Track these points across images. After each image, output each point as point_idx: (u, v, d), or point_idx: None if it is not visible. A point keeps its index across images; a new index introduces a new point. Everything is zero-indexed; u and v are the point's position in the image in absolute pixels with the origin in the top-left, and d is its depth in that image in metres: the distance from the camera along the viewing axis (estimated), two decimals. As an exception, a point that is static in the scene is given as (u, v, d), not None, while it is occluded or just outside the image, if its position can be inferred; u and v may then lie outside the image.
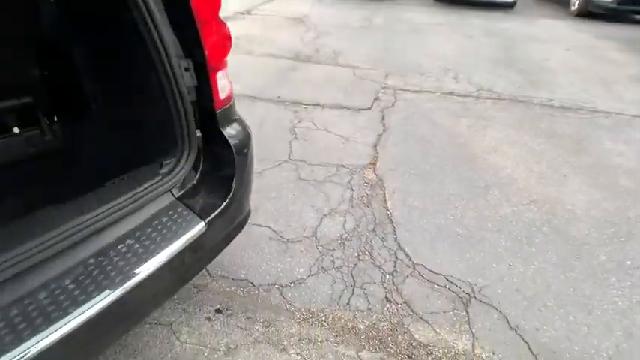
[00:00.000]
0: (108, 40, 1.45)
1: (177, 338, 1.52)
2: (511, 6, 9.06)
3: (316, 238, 2.12)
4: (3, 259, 0.94)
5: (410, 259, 2.02)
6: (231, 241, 1.51)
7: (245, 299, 1.73)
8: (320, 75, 4.50)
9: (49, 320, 0.93)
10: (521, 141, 3.23)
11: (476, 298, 1.81)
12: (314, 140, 3.10)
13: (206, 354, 1.47)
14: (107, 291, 1.01)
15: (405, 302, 1.78)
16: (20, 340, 0.88)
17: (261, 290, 1.78)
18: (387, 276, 1.91)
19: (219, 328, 1.58)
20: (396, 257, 2.03)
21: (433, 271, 1.95)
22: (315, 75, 4.49)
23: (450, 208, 2.40)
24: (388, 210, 2.37)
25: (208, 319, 1.61)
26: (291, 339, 1.57)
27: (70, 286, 1.01)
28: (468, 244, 2.12)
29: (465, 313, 1.73)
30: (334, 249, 2.05)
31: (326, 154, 2.91)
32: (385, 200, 2.45)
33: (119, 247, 1.12)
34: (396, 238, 2.15)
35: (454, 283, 1.88)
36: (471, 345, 1.59)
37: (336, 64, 4.91)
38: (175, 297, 1.67)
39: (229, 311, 1.65)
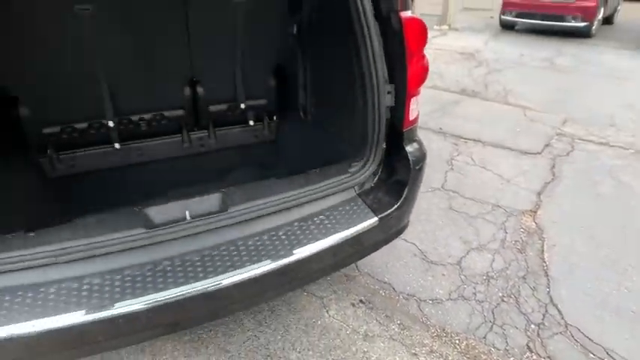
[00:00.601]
0: (330, 64, 1.85)
1: (327, 311, 1.80)
2: None
3: (460, 267, 2.15)
4: (249, 206, 1.34)
5: (562, 318, 1.87)
6: (386, 244, 1.71)
7: (386, 300, 1.90)
8: (485, 112, 4.42)
9: (250, 261, 1.24)
10: None
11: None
12: (470, 175, 3.10)
13: (348, 332, 1.70)
14: (299, 248, 1.31)
15: (548, 357, 1.67)
16: (233, 267, 1.21)
17: (401, 297, 1.92)
18: (533, 326, 1.82)
19: (360, 315, 1.79)
20: (546, 311, 1.91)
21: (590, 339, 1.77)
22: (480, 111, 4.43)
23: (626, 280, 2.11)
24: (544, 262, 2.22)
25: (353, 305, 1.84)
26: (423, 348, 1.66)
27: (275, 240, 1.35)
28: (642, 324, 1.84)
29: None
30: (477, 283, 2.05)
31: (481, 190, 2.88)
32: (542, 251, 2.30)
33: (314, 219, 1.44)
34: (549, 292, 2.02)
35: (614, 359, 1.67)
36: None
37: (505, 102, 4.73)
38: (328, 278, 1.95)
39: (371, 305, 1.85)
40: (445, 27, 8.98)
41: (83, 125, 1.84)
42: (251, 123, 2.14)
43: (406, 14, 1.46)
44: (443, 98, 4.80)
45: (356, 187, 1.58)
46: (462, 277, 2.08)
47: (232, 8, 1.72)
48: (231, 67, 1.95)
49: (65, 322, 1.04)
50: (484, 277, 2.08)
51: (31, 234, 1.19)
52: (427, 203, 2.70)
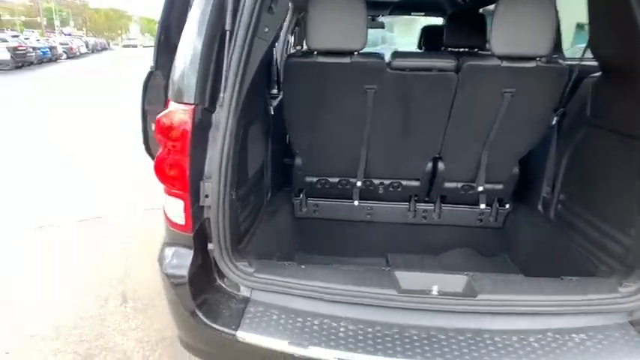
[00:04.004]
0: (602, 168, 1.68)
1: None
2: None
3: None
4: (500, 299, 1.31)
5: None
6: None
7: None
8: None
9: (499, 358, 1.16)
10: None
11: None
12: None
13: None
14: None
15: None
16: None
17: None
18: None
19: None
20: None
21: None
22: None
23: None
24: None
25: None
26: None
27: (525, 345, 1.20)
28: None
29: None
30: None
31: None
32: None
33: (572, 335, 1.24)
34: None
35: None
36: None
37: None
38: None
39: None
40: None
41: (335, 180, 2.14)
42: (482, 206, 2.09)
43: None
44: None
45: (627, 314, 1.32)
46: None
47: (501, 95, 1.71)
48: (479, 150, 1.93)
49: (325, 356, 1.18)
50: None
51: (302, 267, 1.41)
52: None
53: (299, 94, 1.83)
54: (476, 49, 2.28)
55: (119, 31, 79.85)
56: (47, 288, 2.48)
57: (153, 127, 1.90)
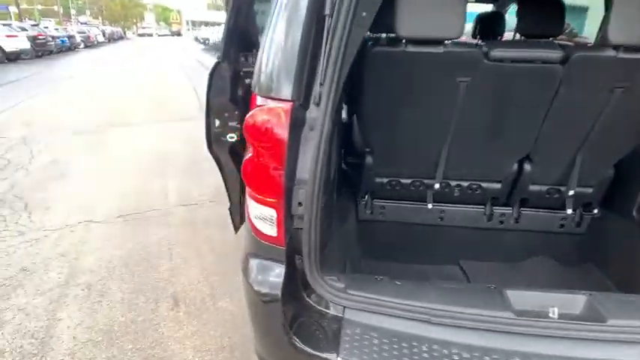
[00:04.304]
0: None
1: None
2: None
3: None
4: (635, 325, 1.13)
5: None
6: None
7: None
8: None
9: None
10: None
11: None
12: None
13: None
14: None
15: None
16: None
17: None
18: None
19: None
20: None
21: None
22: None
23: None
24: None
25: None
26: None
27: None
28: None
29: None
30: None
31: None
32: None
33: None
34: None
35: None
36: None
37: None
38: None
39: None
40: None
41: (407, 181, 1.96)
42: (569, 211, 1.89)
43: None
44: None
45: None
46: None
47: (610, 91, 1.52)
48: (574, 151, 1.76)
49: None
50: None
51: (398, 282, 1.28)
52: None
53: (381, 87, 1.66)
54: (551, 38, 2.08)
55: (134, 20, 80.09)
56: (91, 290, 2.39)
57: (217, 122, 1.78)
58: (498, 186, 1.96)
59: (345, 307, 1.24)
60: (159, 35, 60.58)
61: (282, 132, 1.09)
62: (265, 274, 1.21)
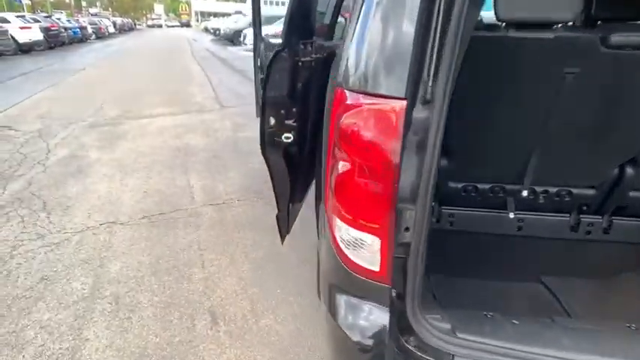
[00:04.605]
0: None
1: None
2: None
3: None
4: None
5: None
6: None
7: None
8: None
9: None
10: None
11: None
12: None
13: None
14: None
15: None
16: None
17: None
18: None
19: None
20: None
21: None
22: None
23: None
24: None
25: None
26: None
27: None
28: None
29: None
30: None
31: None
32: None
33: None
34: None
35: None
36: None
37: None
38: None
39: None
40: None
41: (485, 186, 1.74)
42: None
43: None
44: None
45: None
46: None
47: None
48: None
49: None
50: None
51: (514, 321, 1.06)
52: None
53: (473, 79, 1.38)
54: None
55: (144, 11, 79.82)
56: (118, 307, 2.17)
57: (272, 121, 1.52)
58: (592, 192, 1.70)
59: (453, 355, 0.99)
60: (168, 26, 60.44)
61: (394, 139, 0.82)
62: (361, 318, 0.96)
